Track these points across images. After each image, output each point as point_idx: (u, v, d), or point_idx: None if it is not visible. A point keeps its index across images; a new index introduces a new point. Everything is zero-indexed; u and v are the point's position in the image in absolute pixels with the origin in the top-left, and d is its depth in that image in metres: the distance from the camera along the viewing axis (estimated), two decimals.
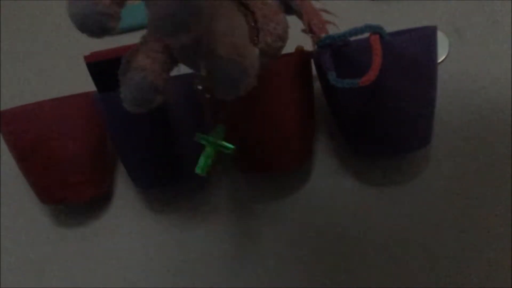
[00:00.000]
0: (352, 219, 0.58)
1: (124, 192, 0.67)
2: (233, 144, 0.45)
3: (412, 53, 0.49)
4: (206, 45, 0.37)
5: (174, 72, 0.45)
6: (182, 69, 0.45)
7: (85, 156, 0.60)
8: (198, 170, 0.44)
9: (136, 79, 0.42)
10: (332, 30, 0.52)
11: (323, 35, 0.50)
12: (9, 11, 0.82)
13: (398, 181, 0.58)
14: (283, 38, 0.47)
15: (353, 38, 0.49)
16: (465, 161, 0.57)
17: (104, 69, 0.55)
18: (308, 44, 0.55)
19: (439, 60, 0.60)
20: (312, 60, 0.58)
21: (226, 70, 0.38)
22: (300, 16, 0.52)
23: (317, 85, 0.58)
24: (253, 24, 0.45)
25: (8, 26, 0.81)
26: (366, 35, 0.48)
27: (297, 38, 0.63)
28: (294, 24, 0.64)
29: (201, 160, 0.44)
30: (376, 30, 0.47)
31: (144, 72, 0.41)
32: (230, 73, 0.38)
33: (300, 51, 0.58)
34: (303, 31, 0.52)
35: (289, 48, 0.61)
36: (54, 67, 0.76)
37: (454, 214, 0.56)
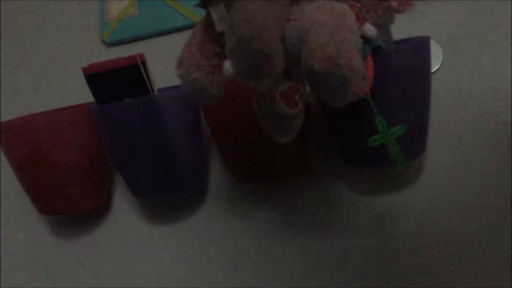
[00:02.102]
0: (347, 229, 0.59)
1: (123, 203, 0.67)
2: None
3: (406, 62, 0.50)
4: (302, 64, 0.37)
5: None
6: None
7: (83, 167, 0.60)
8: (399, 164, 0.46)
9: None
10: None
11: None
12: (8, 22, 0.83)
13: (393, 191, 0.59)
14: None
15: None
16: (460, 170, 0.57)
17: (102, 81, 0.56)
18: None
19: (433, 70, 0.60)
20: None
21: (327, 83, 0.36)
22: None
23: None
24: (358, 4, 0.43)
25: (6, 38, 0.82)
26: None
27: None
28: None
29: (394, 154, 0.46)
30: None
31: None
32: (332, 86, 0.37)
33: None
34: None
35: None
36: (53, 79, 0.77)
37: (450, 223, 0.56)
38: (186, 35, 0.45)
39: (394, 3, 0.44)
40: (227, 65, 0.62)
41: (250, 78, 0.37)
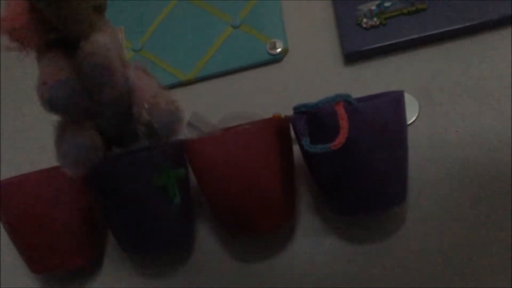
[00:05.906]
0: (335, 277, 0.60)
1: (114, 259, 0.68)
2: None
3: (381, 116, 0.52)
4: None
5: None
6: None
7: (74, 225, 0.61)
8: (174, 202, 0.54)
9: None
10: None
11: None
12: (7, 84, 0.85)
13: (376, 239, 0.60)
14: None
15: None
16: (440, 218, 0.59)
17: None
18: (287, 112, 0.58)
19: (410, 121, 0.62)
20: (290, 124, 0.60)
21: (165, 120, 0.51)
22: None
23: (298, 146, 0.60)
24: None
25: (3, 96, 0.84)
26: None
27: (274, 105, 0.66)
28: (272, 92, 0.68)
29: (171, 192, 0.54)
30: (345, 98, 0.50)
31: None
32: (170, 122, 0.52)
33: (277, 117, 0.61)
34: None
35: (266, 114, 0.64)
36: (45, 139, 0.78)
37: (432, 270, 0.57)
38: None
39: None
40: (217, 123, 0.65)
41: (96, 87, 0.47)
